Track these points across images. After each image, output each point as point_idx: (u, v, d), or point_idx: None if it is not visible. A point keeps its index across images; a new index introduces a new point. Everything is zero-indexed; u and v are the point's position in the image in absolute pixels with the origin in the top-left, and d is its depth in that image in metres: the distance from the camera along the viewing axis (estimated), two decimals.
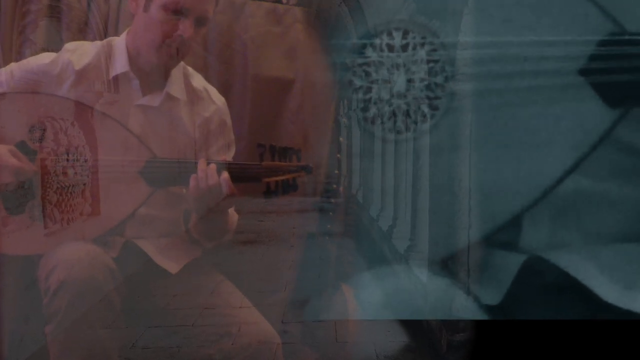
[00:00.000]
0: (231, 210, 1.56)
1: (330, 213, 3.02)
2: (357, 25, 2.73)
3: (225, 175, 1.38)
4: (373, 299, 2.62)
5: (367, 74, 2.26)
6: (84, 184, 1.43)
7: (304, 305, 2.57)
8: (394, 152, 3.20)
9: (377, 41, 2.21)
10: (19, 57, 1.90)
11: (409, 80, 2.23)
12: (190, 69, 1.59)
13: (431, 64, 2.19)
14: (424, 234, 2.60)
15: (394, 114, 2.37)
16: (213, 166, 1.39)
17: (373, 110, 2.37)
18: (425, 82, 2.19)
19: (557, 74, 1.72)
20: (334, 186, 2.90)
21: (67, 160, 1.44)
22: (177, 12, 1.43)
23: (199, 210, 1.47)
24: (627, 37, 1.64)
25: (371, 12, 2.66)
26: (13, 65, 1.49)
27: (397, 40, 2.22)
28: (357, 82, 2.23)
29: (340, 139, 2.76)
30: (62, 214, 1.43)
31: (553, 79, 1.73)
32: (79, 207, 1.44)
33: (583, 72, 1.66)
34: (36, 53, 1.90)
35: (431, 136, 2.46)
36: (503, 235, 1.87)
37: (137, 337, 2.24)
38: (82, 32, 2.18)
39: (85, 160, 1.43)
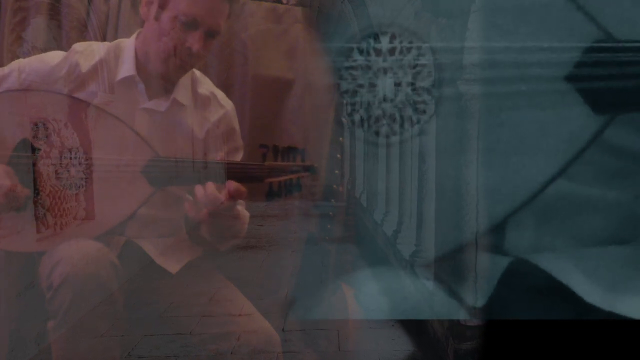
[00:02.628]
0: (242, 209, 1.55)
1: (332, 216, 3.01)
2: (361, 24, 2.72)
3: (231, 184, 1.37)
4: (377, 305, 2.61)
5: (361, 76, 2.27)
6: (78, 187, 1.43)
7: (305, 312, 2.56)
8: (398, 155, 3.19)
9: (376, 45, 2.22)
10: (11, 55, 1.89)
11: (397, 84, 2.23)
12: (198, 73, 1.59)
13: (419, 68, 2.20)
14: (430, 239, 2.58)
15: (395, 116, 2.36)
16: (210, 189, 1.37)
17: (374, 113, 2.36)
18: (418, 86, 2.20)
19: (544, 80, 1.75)
20: (334, 186, 2.90)
21: (61, 162, 1.43)
22: (188, 24, 1.43)
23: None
24: (613, 44, 1.66)
25: (375, 9, 2.66)
26: (21, 63, 1.49)
27: (384, 45, 2.23)
28: (345, 86, 2.24)
29: (340, 139, 2.76)
30: (55, 219, 1.43)
31: (540, 85, 1.76)
32: (72, 211, 1.43)
33: (570, 78, 1.69)
34: (28, 52, 1.89)
35: (437, 138, 2.45)
36: (502, 239, 1.89)
37: (133, 345, 2.22)
38: (76, 31, 2.17)
39: (80, 163, 1.43)
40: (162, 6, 1.44)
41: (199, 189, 1.37)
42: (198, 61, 1.50)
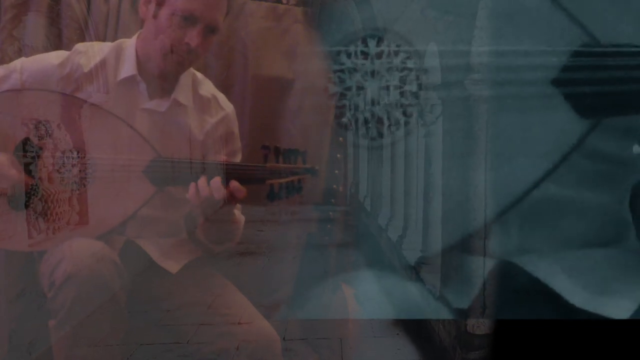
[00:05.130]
0: (238, 213, 1.59)
1: (335, 220, 3.01)
2: (365, 22, 2.72)
3: (234, 184, 1.41)
4: (381, 312, 2.60)
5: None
6: (73, 191, 1.43)
7: (306, 318, 2.55)
8: (403, 157, 3.19)
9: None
10: (1, 54, 1.89)
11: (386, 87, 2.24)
12: (199, 75, 1.63)
13: (406, 72, 2.21)
14: (437, 244, 2.57)
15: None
16: (217, 181, 1.40)
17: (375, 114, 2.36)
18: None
19: (530, 84, 1.78)
20: (334, 186, 2.90)
21: (54, 163, 1.43)
22: (186, 20, 1.46)
23: (203, 215, 1.49)
24: (599, 49, 1.70)
25: (380, 7, 2.66)
26: (23, 62, 1.51)
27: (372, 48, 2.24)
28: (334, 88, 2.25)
29: (340, 139, 2.77)
30: (48, 223, 1.43)
31: (527, 89, 1.79)
32: (65, 215, 1.44)
33: (556, 82, 1.73)
34: (20, 50, 1.89)
35: (444, 140, 2.44)
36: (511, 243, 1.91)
37: (128, 355, 2.21)
38: (72, 30, 2.17)
39: (74, 165, 1.43)
40: (160, 3, 1.48)
41: (201, 180, 1.41)
42: (197, 58, 1.53)
